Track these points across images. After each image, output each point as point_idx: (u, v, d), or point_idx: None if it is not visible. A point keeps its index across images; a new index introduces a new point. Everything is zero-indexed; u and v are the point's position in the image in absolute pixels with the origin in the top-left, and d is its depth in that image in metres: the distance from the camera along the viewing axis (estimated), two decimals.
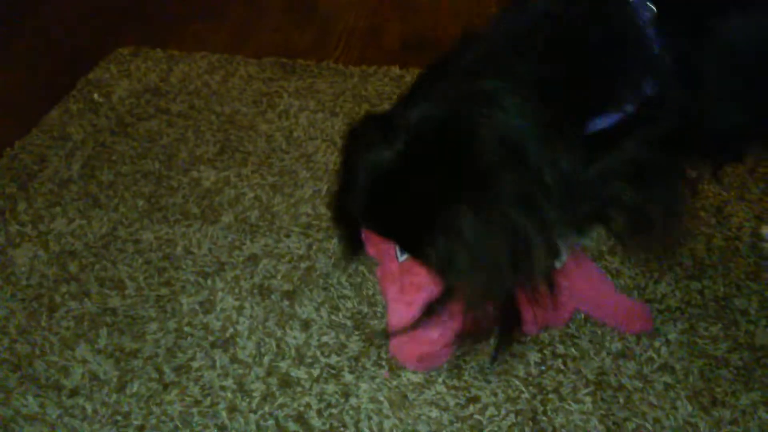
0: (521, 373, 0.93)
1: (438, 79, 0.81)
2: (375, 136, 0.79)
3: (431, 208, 0.76)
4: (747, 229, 1.17)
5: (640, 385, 0.92)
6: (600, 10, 0.77)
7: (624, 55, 0.77)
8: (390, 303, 0.94)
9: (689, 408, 0.89)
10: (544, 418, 0.88)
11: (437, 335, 0.88)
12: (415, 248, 0.82)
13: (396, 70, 1.63)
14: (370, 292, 1.04)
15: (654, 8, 0.74)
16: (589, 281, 0.99)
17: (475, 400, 0.91)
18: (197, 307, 1.03)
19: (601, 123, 0.75)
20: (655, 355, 0.96)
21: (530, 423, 0.88)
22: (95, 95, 1.49)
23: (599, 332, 0.98)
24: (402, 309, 0.90)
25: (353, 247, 0.96)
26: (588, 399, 0.90)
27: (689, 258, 1.11)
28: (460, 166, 0.75)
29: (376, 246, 0.95)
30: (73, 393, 0.93)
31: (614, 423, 0.88)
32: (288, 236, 1.14)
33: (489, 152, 0.73)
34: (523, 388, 0.91)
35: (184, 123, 1.42)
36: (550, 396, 0.91)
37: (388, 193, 0.79)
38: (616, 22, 0.76)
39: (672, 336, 0.98)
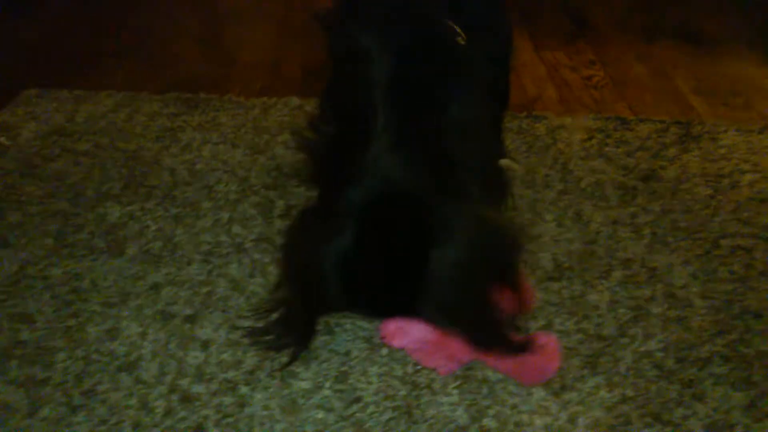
0: (399, 373, 1.05)
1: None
2: (324, 229, 0.91)
3: (407, 271, 0.90)
4: (603, 234, 1.33)
5: (502, 376, 1.05)
6: None
7: None
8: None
9: (542, 393, 1.03)
10: (418, 411, 1.00)
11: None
12: (407, 310, 0.95)
13: (296, 100, 1.75)
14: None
15: None
16: None
17: (358, 400, 1.02)
18: (103, 335, 1.11)
19: None
20: None
21: (405, 416, 0.99)
22: (2, 138, 1.55)
23: None
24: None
25: (309, 336, 1.07)
26: (455, 392, 1.03)
27: (551, 262, 1.26)
28: (414, 228, 0.89)
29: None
30: None
31: (477, 411, 1.00)
32: (189, 264, 1.24)
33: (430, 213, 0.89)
34: (401, 386, 1.03)
35: (90, 161, 1.49)
36: (423, 391, 1.03)
37: (364, 274, 0.92)
38: None
39: (531, 332, 1.12)
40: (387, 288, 0.93)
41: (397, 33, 0.97)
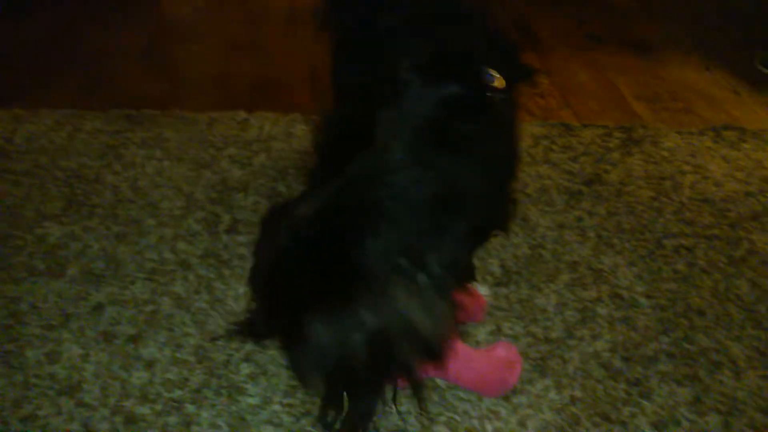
0: None
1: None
2: (275, 225, 0.83)
3: (297, 310, 0.78)
4: (550, 238, 1.34)
5: (452, 383, 1.05)
6: None
7: None
8: None
9: (492, 398, 1.03)
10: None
11: None
12: (284, 345, 0.86)
13: (242, 114, 1.73)
14: (211, 328, 1.12)
15: None
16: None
17: (307, 414, 1.00)
18: (43, 358, 1.07)
19: None
20: None
21: None
22: None
23: None
24: None
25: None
26: (406, 401, 1.02)
27: (499, 267, 1.27)
28: (326, 271, 0.77)
29: None
30: None
31: (428, 419, 1.00)
32: (133, 283, 1.21)
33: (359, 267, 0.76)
34: None
35: (29, 182, 1.45)
36: None
37: (272, 286, 0.83)
38: None
39: (481, 337, 1.12)
40: (273, 314, 0.85)
41: (441, 77, 0.89)
